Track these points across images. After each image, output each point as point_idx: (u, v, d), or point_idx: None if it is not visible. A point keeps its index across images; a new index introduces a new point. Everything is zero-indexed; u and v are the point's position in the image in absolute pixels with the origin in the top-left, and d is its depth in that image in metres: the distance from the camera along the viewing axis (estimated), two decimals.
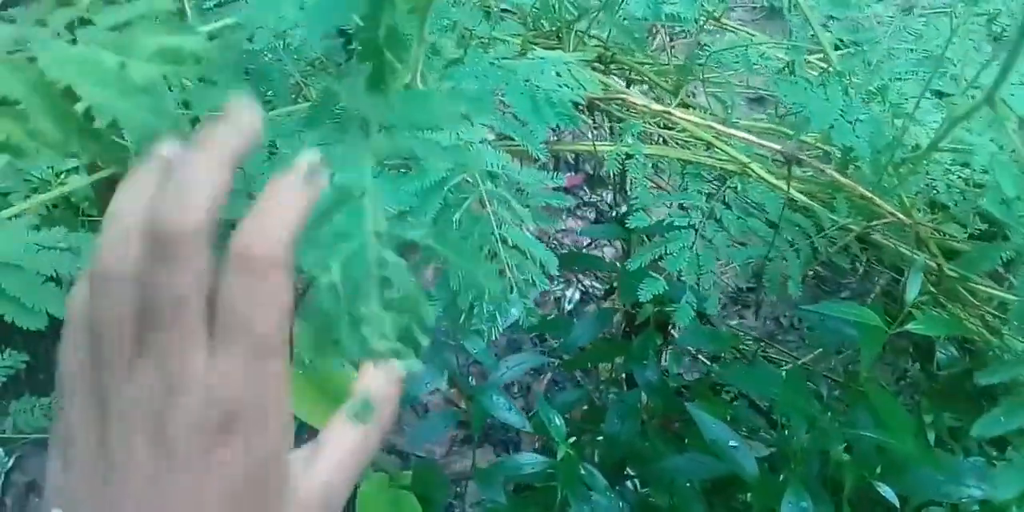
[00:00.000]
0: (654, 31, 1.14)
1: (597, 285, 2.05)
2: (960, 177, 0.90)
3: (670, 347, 1.35)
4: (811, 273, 1.38)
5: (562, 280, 2.18)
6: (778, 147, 0.70)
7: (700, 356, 1.36)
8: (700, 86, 1.06)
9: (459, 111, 0.40)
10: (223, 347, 0.33)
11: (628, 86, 1.07)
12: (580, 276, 2.00)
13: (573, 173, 2.19)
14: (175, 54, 0.30)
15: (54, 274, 0.69)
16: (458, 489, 1.75)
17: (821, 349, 1.35)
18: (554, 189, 0.77)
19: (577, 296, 2.14)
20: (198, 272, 0.32)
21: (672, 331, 1.28)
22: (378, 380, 0.41)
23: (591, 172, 2.22)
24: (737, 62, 1.02)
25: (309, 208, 0.33)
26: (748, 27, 1.18)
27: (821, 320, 0.91)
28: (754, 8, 2.29)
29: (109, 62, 0.31)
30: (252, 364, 0.33)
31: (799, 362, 1.33)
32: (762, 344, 1.48)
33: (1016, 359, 0.52)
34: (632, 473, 1.22)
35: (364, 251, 0.33)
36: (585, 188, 2.24)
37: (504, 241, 0.70)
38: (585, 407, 1.26)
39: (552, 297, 2.10)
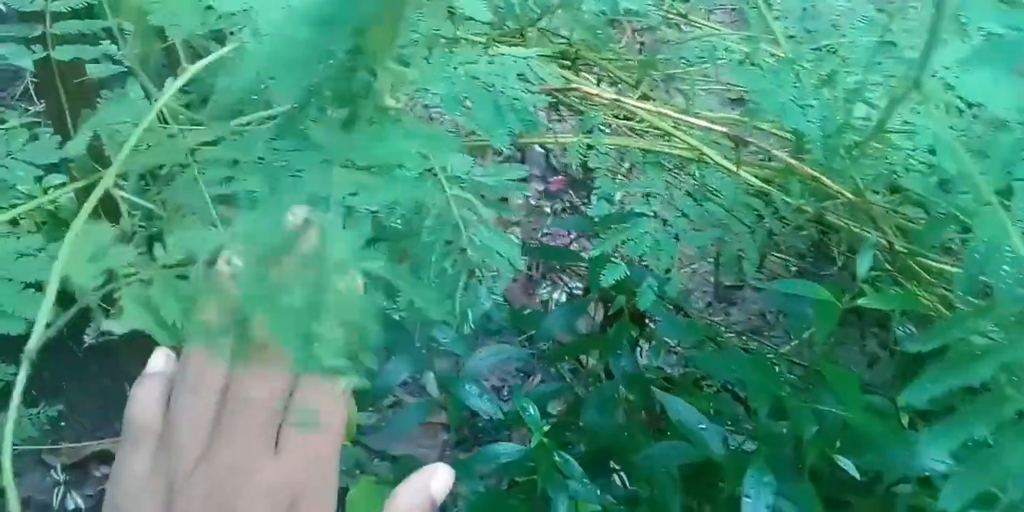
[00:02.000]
0: (623, 29, 1.17)
1: (582, 287, 2.07)
2: (922, 162, 0.93)
3: (652, 342, 1.37)
4: (795, 268, 1.41)
5: (548, 283, 2.20)
6: (725, 130, 0.73)
7: (679, 349, 1.38)
8: (668, 82, 1.09)
9: (416, 149, 0.44)
10: (288, 443, 0.40)
11: (599, 84, 1.09)
12: (566, 278, 2.02)
13: (557, 176, 2.22)
14: None
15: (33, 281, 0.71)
16: (456, 508, 1.77)
17: (797, 341, 1.37)
18: (544, 192, 0.80)
19: (564, 298, 2.16)
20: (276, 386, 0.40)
21: (650, 324, 1.30)
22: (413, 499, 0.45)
23: (574, 176, 2.24)
24: (703, 58, 1.05)
25: None
26: (727, 28, 1.21)
27: (787, 305, 0.93)
28: (733, 10, 2.32)
29: None
30: (318, 454, 0.41)
31: (779, 352, 1.35)
32: (744, 337, 1.50)
33: (947, 325, 0.54)
34: (617, 467, 1.24)
35: (323, 278, 0.36)
36: (570, 191, 2.27)
37: (472, 241, 0.72)
38: (566, 407, 1.28)
39: (539, 299, 2.12)
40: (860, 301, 0.73)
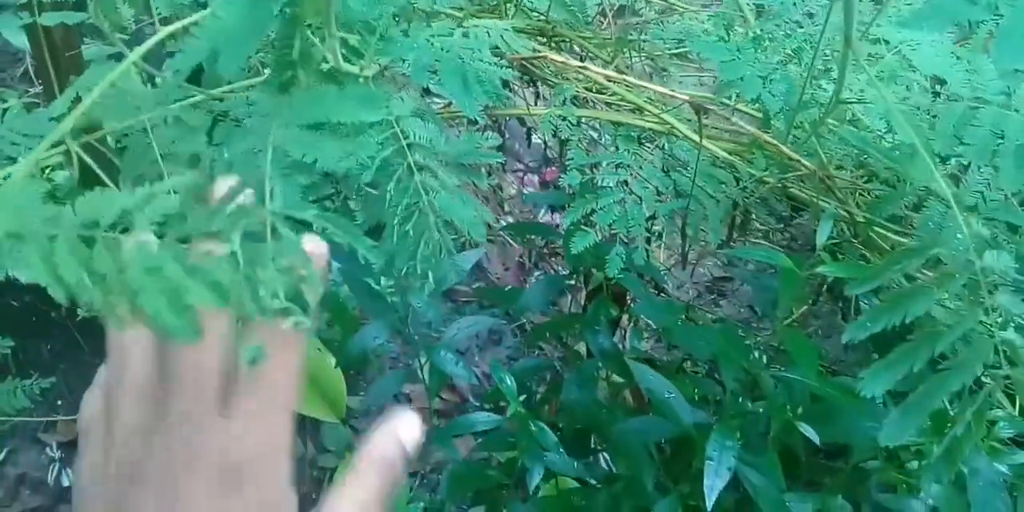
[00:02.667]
0: (602, 11, 1.19)
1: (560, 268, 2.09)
2: (888, 142, 0.95)
3: (633, 324, 1.38)
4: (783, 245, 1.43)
5: (541, 272, 2.23)
6: (686, 97, 0.75)
7: (660, 333, 1.40)
8: (640, 60, 1.11)
9: (351, 108, 0.47)
10: (238, 408, 0.39)
11: (582, 62, 1.11)
12: (554, 262, 2.04)
13: (551, 166, 2.24)
14: None
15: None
16: (438, 477, 1.79)
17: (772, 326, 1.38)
18: (540, 183, 0.82)
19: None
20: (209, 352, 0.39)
21: (631, 304, 1.32)
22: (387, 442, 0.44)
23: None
24: (681, 39, 1.07)
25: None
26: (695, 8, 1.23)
27: (752, 279, 0.95)
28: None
29: None
30: (268, 418, 0.40)
31: (756, 336, 1.37)
32: (726, 322, 1.52)
33: (883, 266, 0.56)
34: (600, 448, 1.26)
35: (261, 226, 0.39)
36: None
37: (432, 206, 0.74)
38: (549, 387, 1.30)
39: (528, 286, 2.14)
40: (819, 269, 0.75)
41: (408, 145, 0.71)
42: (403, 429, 0.45)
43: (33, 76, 2.29)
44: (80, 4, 0.87)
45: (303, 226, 0.41)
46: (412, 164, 0.72)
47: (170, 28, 0.71)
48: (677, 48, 1.17)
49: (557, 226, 1.57)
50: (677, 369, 1.38)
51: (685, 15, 1.16)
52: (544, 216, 2.32)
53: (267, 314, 0.38)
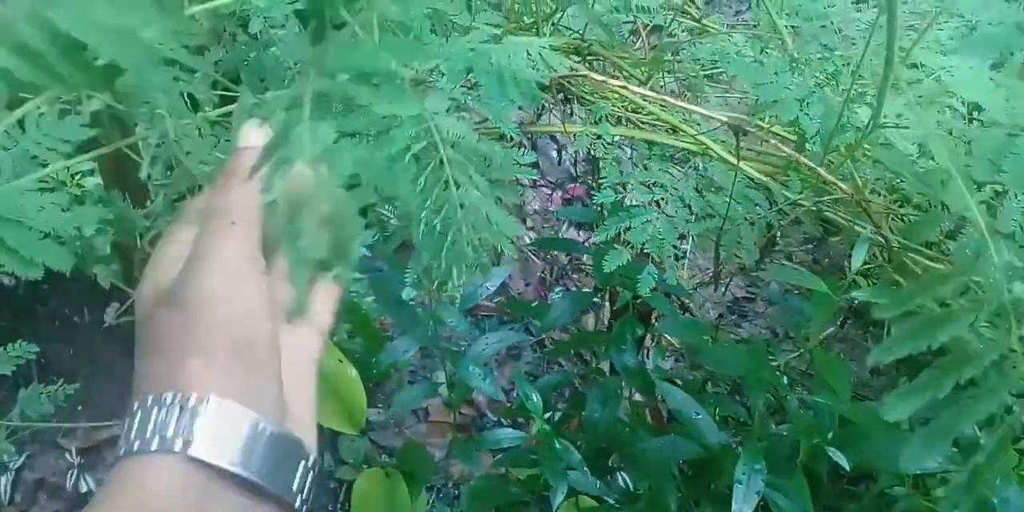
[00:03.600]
0: (636, 31, 1.20)
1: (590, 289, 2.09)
2: (921, 168, 0.94)
3: (657, 342, 1.38)
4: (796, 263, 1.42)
5: (561, 288, 2.22)
6: (725, 119, 0.75)
7: (684, 352, 1.40)
8: (675, 80, 1.11)
9: (390, 55, 0.46)
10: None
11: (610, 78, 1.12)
12: (575, 279, 2.04)
13: (574, 184, 2.25)
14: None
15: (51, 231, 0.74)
16: (455, 492, 1.79)
17: (802, 349, 1.38)
18: (563, 201, 0.82)
19: None
20: None
21: (655, 322, 1.32)
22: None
23: (592, 185, 2.27)
24: (715, 59, 1.08)
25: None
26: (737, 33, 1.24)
27: (783, 300, 0.95)
28: (756, 27, 2.35)
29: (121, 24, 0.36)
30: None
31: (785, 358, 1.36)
32: (753, 343, 1.51)
33: (913, 291, 0.56)
34: (619, 466, 1.25)
35: (304, 174, 0.38)
36: (588, 199, 2.30)
37: (461, 204, 0.74)
38: (569, 403, 1.29)
39: (550, 301, 2.14)
40: (853, 293, 0.75)
41: (440, 140, 0.71)
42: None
43: None
44: None
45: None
46: (445, 159, 0.71)
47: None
48: (709, 69, 1.18)
49: (583, 242, 1.57)
50: (699, 389, 1.38)
51: (718, 36, 1.17)
52: (566, 232, 2.32)
53: (310, 265, 0.39)
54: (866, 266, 0.87)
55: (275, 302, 0.45)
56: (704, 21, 1.21)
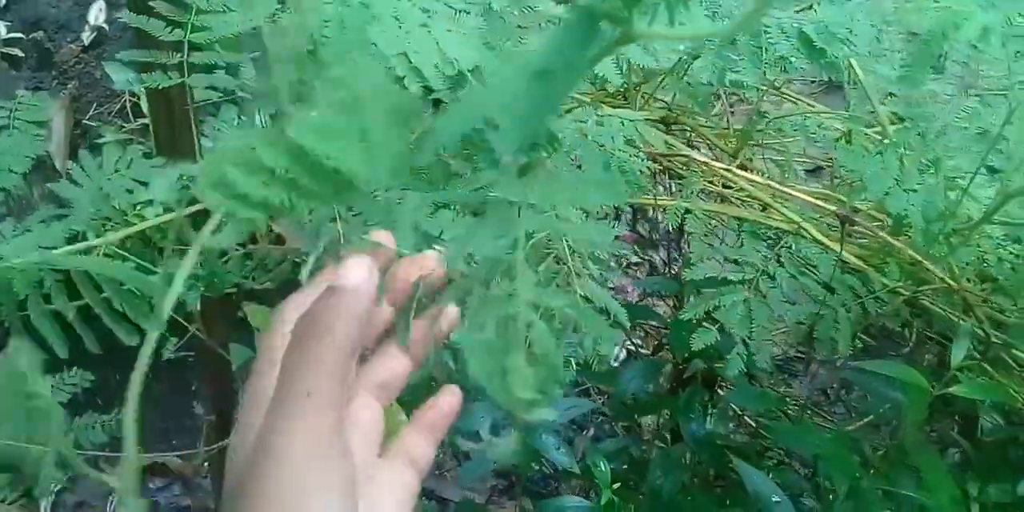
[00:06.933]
0: (716, 98, 1.19)
1: (641, 343, 2.07)
2: (1011, 252, 0.93)
3: (717, 408, 1.36)
4: (860, 344, 1.39)
5: (618, 346, 2.21)
6: (835, 209, 0.74)
7: (746, 416, 1.37)
8: (760, 151, 1.11)
9: (587, 193, 0.47)
10: None
11: (689, 146, 1.12)
12: (638, 342, 2.02)
13: (629, 230, 2.24)
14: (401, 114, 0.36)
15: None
16: None
17: (867, 419, 1.35)
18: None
19: (624, 355, 2.16)
20: None
21: (719, 390, 1.30)
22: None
23: (643, 234, 2.26)
24: (796, 129, 1.07)
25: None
26: (807, 99, 1.23)
27: (868, 384, 0.93)
28: (812, 82, 2.35)
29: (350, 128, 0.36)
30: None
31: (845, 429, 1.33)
32: (808, 411, 1.48)
33: None
34: None
35: (516, 315, 0.39)
36: (636, 247, 2.28)
37: (583, 297, 0.73)
38: (626, 466, 1.28)
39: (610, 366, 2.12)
40: (953, 389, 0.73)
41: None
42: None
43: (130, 113, 2.36)
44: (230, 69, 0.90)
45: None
46: (568, 252, 0.71)
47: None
48: (790, 136, 1.17)
49: (640, 300, 1.57)
50: (757, 453, 1.35)
51: (799, 106, 1.17)
52: (645, 286, 2.31)
53: (515, 404, 0.37)
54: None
55: (361, 453, 0.44)
56: (784, 90, 1.21)
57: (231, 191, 0.34)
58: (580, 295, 0.67)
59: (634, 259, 2.31)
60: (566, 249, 0.66)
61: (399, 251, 0.50)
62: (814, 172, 2.09)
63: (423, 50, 0.64)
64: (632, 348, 2.08)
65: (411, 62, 0.65)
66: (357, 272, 0.43)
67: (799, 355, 2.16)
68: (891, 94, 0.98)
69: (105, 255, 0.82)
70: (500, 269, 0.38)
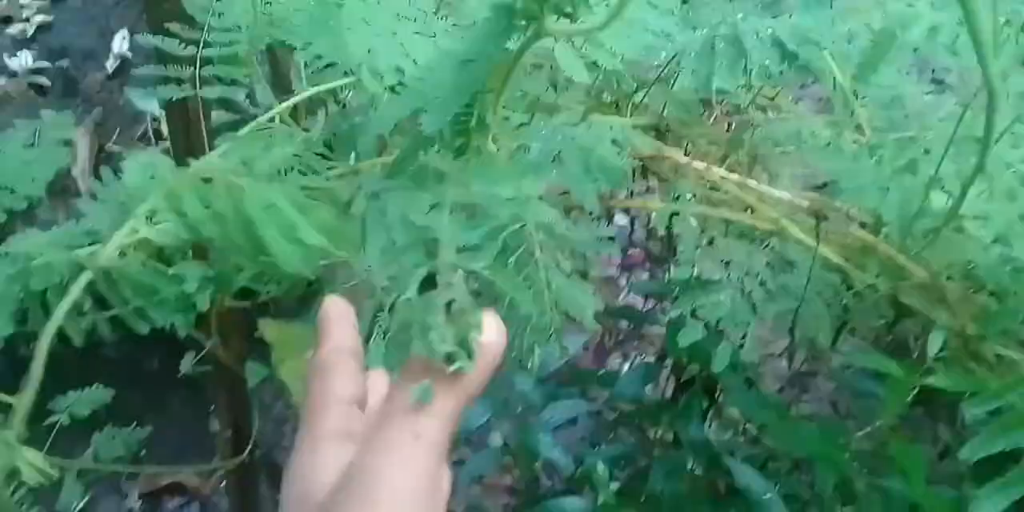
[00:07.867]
0: (712, 110, 1.23)
1: (654, 357, 2.09)
2: (996, 252, 0.95)
3: (719, 418, 1.38)
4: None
5: (619, 355, 2.23)
6: (806, 203, 0.77)
7: (748, 427, 1.39)
8: (761, 160, 1.14)
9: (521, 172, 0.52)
10: None
11: (684, 155, 1.15)
12: (636, 345, 2.04)
13: (636, 249, 2.27)
14: None
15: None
16: None
17: (870, 429, 1.36)
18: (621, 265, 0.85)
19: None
20: None
21: (719, 398, 1.32)
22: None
23: (652, 251, 2.29)
24: (789, 140, 1.10)
25: None
26: (807, 113, 1.26)
27: (859, 384, 0.95)
28: (819, 100, 2.38)
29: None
30: None
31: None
32: (815, 422, 1.49)
33: (1004, 388, 0.57)
34: None
35: (435, 276, 0.43)
36: (647, 265, 2.31)
37: (549, 284, 0.77)
38: (626, 471, 1.29)
39: (608, 369, 2.14)
40: (930, 379, 0.75)
41: (540, 224, 0.74)
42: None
43: (152, 136, 2.44)
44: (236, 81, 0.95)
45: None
46: (538, 243, 0.75)
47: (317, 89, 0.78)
48: (783, 147, 1.20)
49: (646, 310, 1.59)
50: (762, 465, 1.36)
51: (791, 114, 1.19)
52: (627, 297, 2.34)
53: (434, 355, 0.41)
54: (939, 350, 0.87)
55: None
56: (777, 99, 1.24)
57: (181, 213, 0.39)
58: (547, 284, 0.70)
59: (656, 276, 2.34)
60: (535, 242, 0.70)
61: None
62: (822, 188, 2.11)
63: (388, 52, 0.69)
64: (633, 354, 2.11)
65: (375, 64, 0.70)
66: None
67: (810, 372, 2.16)
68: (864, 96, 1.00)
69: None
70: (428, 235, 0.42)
